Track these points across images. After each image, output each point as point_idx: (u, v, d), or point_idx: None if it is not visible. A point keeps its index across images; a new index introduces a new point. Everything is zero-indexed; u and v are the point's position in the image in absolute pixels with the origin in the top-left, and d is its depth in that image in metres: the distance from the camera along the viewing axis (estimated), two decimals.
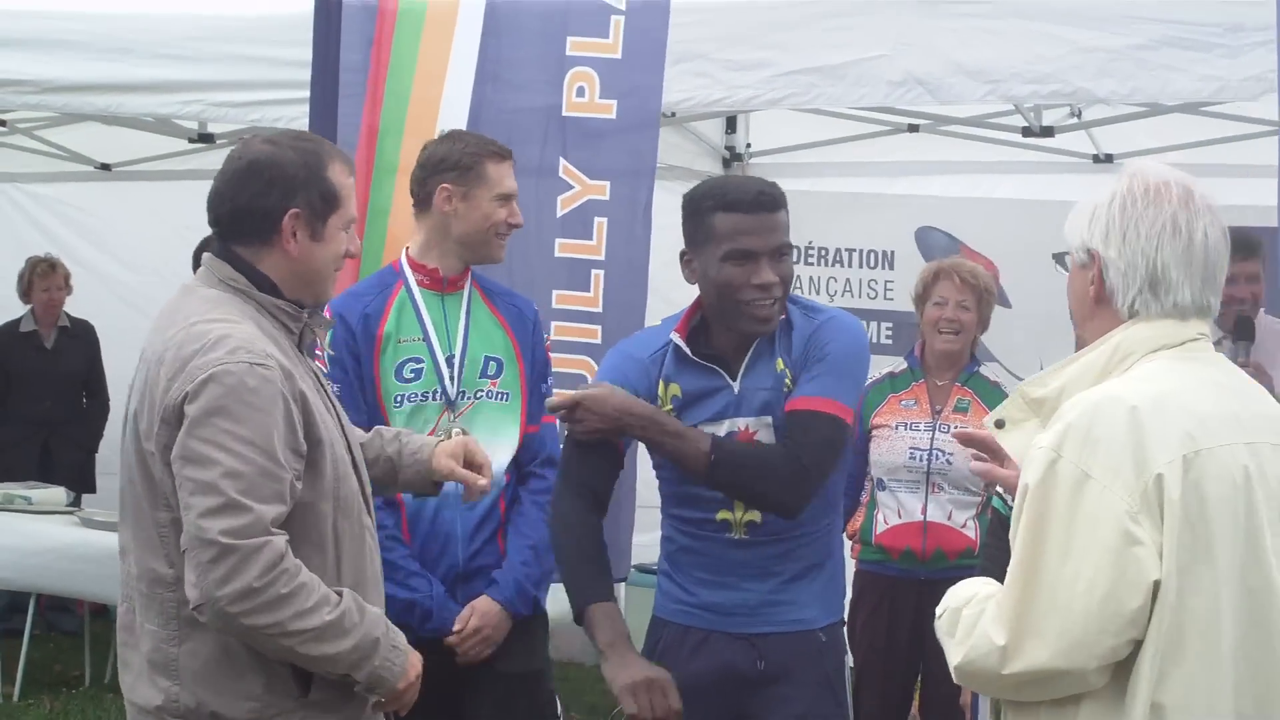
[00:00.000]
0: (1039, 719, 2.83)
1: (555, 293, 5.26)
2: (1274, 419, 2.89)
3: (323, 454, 3.32)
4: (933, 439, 5.79)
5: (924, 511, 5.74)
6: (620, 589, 5.00)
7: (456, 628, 4.48)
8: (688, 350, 4.01)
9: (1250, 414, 2.85)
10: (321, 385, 3.48)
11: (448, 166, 4.57)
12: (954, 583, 6.05)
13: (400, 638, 3.40)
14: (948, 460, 5.73)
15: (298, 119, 6.16)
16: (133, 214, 9.84)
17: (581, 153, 5.34)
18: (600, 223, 5.34)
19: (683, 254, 4.03)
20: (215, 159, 9.00)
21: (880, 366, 6.08)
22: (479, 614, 4.49)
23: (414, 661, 3.42)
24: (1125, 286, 2.87)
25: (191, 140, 8.61)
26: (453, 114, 5.31)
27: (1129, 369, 2.87)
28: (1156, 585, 2.70)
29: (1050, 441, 2.78)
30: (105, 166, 9.77)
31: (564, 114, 5.36)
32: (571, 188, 5.35)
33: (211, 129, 8.45)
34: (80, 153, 9.51)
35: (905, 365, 6.00)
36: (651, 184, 5.43)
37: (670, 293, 4.25)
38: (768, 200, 3.91)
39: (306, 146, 3.40)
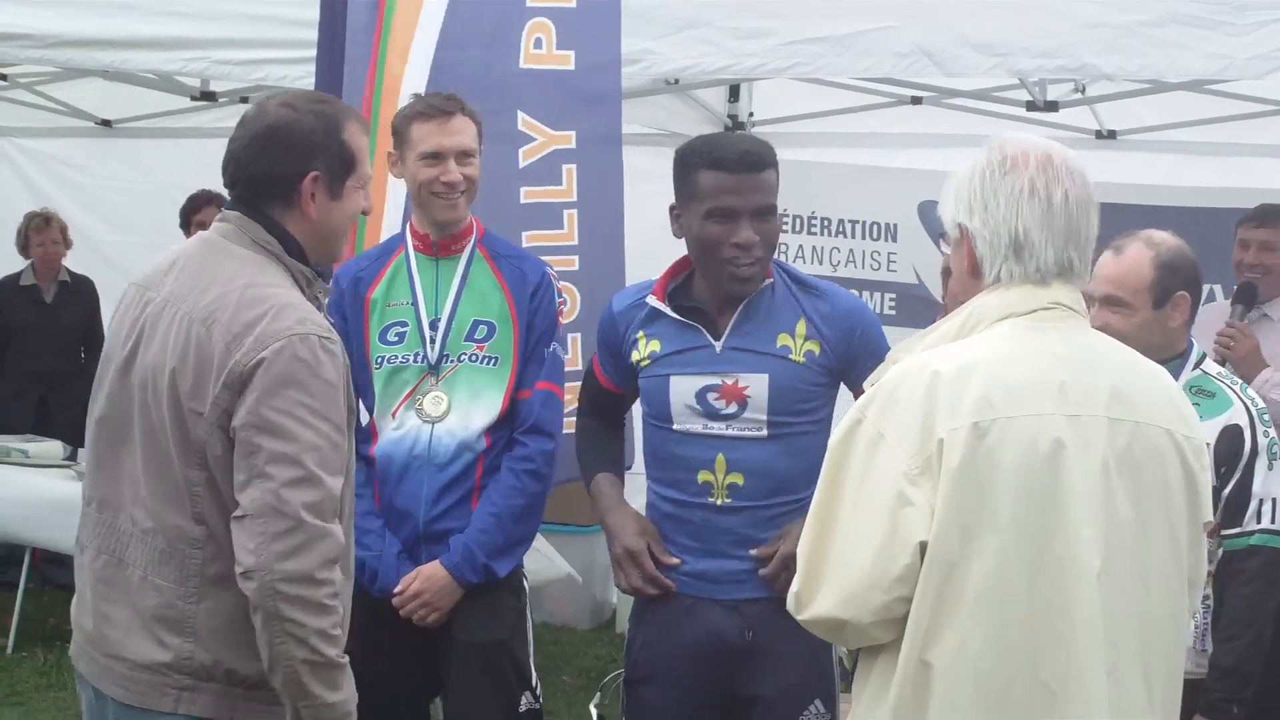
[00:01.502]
0: (867, 667, 2.93)
1: (525, 234, 5.23)
2: (1121, 393, 2.88)
3: (353, 425, 3.39)
4: None
5: None
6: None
7: (397, 589, 4.47)
8: (667, 309, 4.13)
9: (1086, 386, 2.86)
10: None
11: (393, 132, 4.63)
12: None
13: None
14: None
15: (302, 78, 6.15)
16: (130, 171, 9.84)
17: (541, 104, 5.29)
18: (569, 169, 5.31)
19: (672, 208, 4.12)
20: (216, 117, 9.14)
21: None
22: (422, 578, 4.47)
23: None
24: (992, 255, 2.93)
25: (194, 98, 8.60)
26: (416, 74, 5.28)
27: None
28: (925, 546, 2.76)
29: (860, 403, 2.90)
30: (106, 123, 9.77)
31: (521, 67, 5.30)
32: (533, 139, 5.31)
33: (214, 87, 8.44)
34: (81, 109, 9.49)
35: None
36: (619, 126, 5.39)
37: (666, 251, 4.26)
38: (753, 160, 3.95)
39: (324, 109, 3.43)
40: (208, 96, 8.59)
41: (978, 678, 2.78)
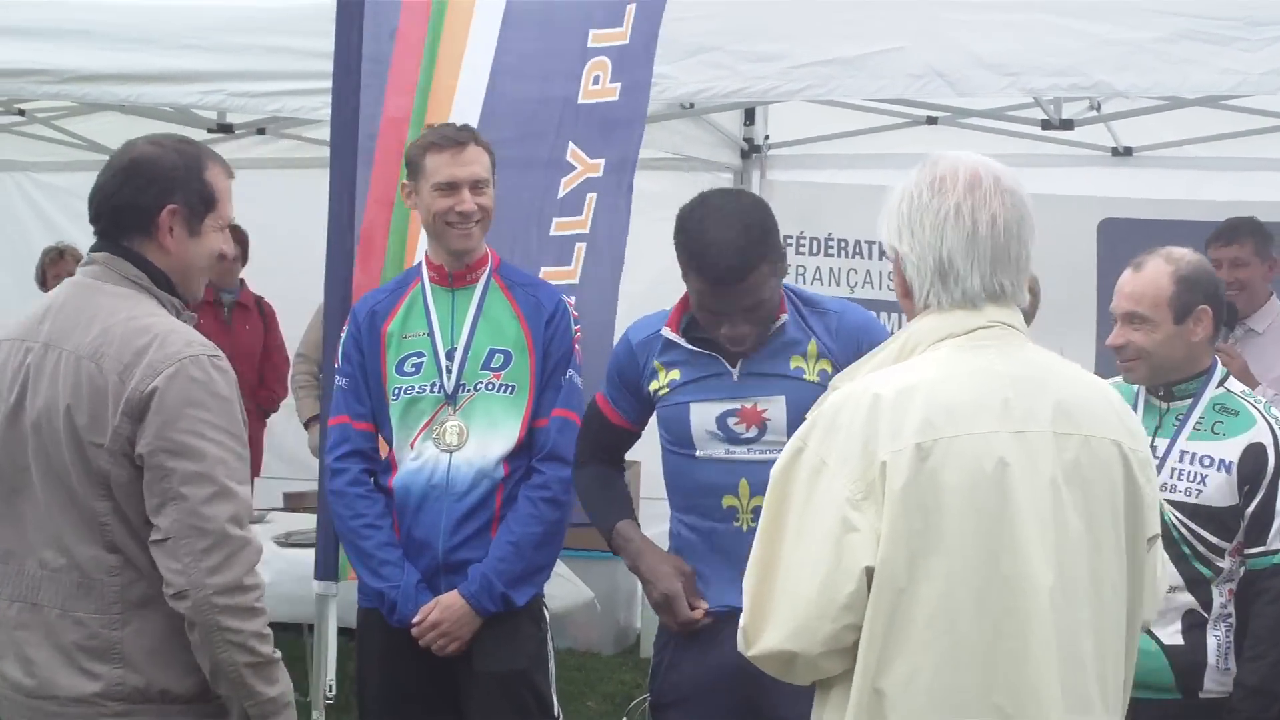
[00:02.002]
0: (823, 700, 2.91)
1: (544, 269, 5.29)
2: (1066, 407, 2.85)
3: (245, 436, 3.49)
4: None
5: None
6: (637, 584, 5.00)
7: (416, 620, 4.48)
8: (682, 341, 4.16)
9: (1029, 402, 2.82)
10: None
11: (406, 164, 4.67)
12: None
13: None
14: None
15: (318, 109, 6.17)
16: None
17: (588, 137, 5.38)
18: (591, 197, 5.36)
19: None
20: (234, 149, 9.14)
21: None
22: (440, 608, 4.48)
23: None
24: (920, 280, 2.89)
25: (210, 130, 8.61)
26: (467, 103, 5.33)
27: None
28: (871, 572, 2.72)
29: (801, 431, 2.86)
30: None
31: (579, 102, 5.38)
32: (574, 169, 5.38)
33: (230, 119, 8.46)
34: (98, 142, 9.52)
35: None
36: (634, 163, 5.42)
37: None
38: (735, 273, 3.97)
39: (186, 149, 3.55)
40: (224, 129, 8.61)
41: (932, 703, 2.74)
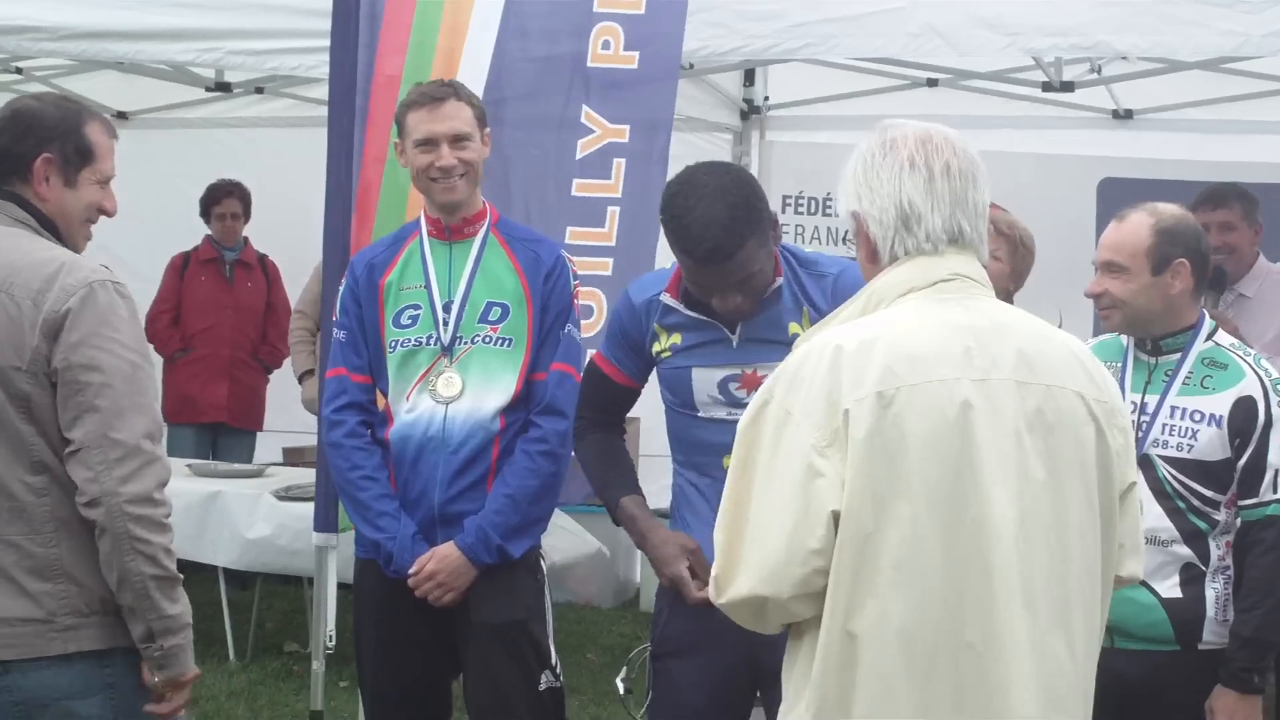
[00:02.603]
0: (795, 647, 2.95)
1: (570, 229, 5.37)
2: (1028, 357, 2.88)
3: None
4: None
5: None
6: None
7: (412, 570, 4.50)
8: (680, 308, 4.15)
9: (991, 352, 2.86)
10: None
11: (396, 122, 4.69)
12: None
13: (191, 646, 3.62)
14: None
15: (315, 67, 6.16)
16: (144, 163, 9.83)
17: (603, 100, 5.44)
18: (619, 163, 5.43)
19: None
20: (230, 107, 9.15)
21: None
22: (437, 559, 4.49)
23: (196, 669, 3.65)
24: (884, 233, 2.94)
25: (209, 89, 8.62)
26: (475, 63, 5.35)
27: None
28: (838, 516, 2.78)
29: (767, 384, 2.91)
30: (122, 115, 9.78)
31: (589, 65, 5.44)
32: (592, 132, 5.44)
33: (229, 77, 8.45)
34: (97, 101, 9.50)
35: None
36: (669, 130, 5.51)
37: None
38: (721, 253, 3.95)
39: (68, 105, 3.76)
40: (222, 87, 8.61)
41: (903, 644, 2.79)
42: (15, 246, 3.57)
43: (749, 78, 8.90)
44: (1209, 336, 4.26)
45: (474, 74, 5.22)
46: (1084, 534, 2.88)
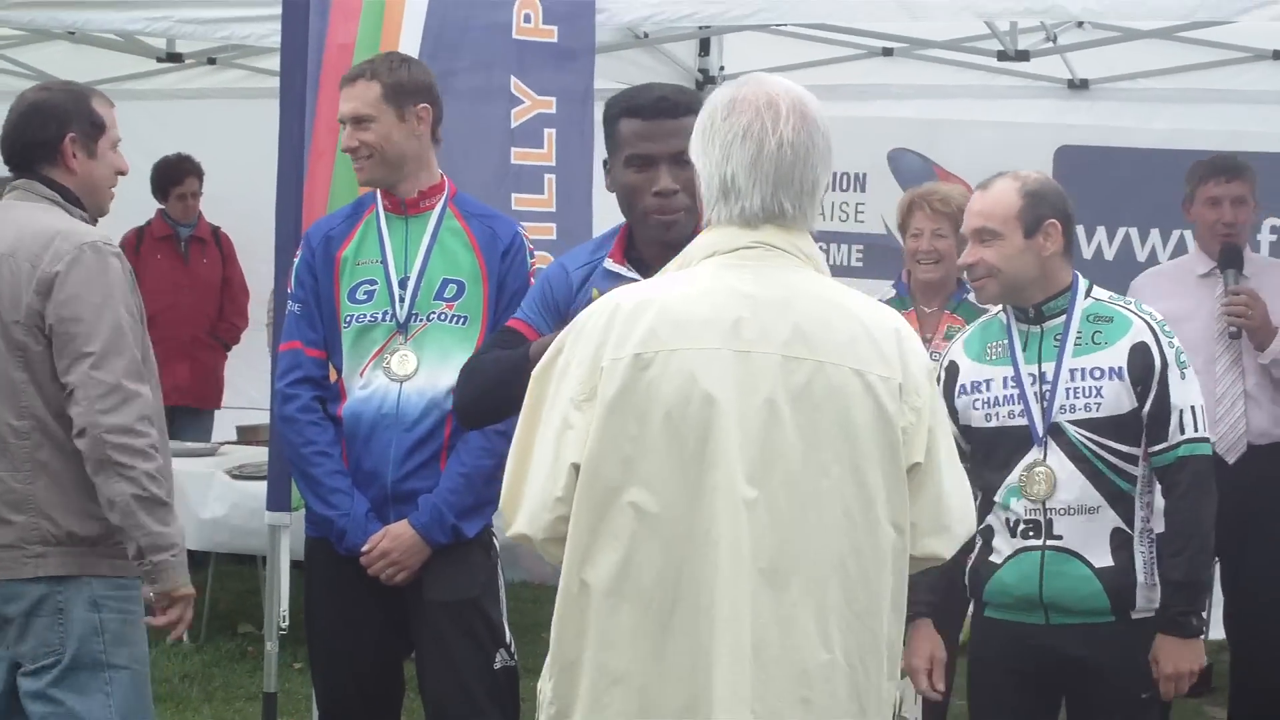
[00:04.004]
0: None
1: (514, 195, 5.50)
2: (805, 332, 2.87)
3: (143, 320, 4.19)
4: None
5: None
6: None
7: (365, 548, 4.48)
8: (624, 272, 3.96)
9: (764, 324, 2.87)
10: None
11: None
12: None
13: (184, 566, 4.08)
14: None
15: (267, 36, 6.09)
16: None
17: (529, 72, 5.57)
18: (550, 133, 5.56)
19: (605, 162, 4.04)
20: (182, 78, 9.05)
21: (871, 294, 6.06)
22: (390, 537, 4.48)
23: (191, 588, 4.11)
24: (709, 196, 2.97)
25: (160, 60, 8.53)
26: (413, 27, 5.36)
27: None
28: (578, 469, 2.86)
29: (561, 335, 3.00)
30: None
31: (514, 36, 5.53)
32: (523, 102, 5.55)
33: (180, 48, 8.36)
34: (47, 72, 9.38)
35: (894, 293, 5.95)
36: (592, 103, 5.58)
37: None
38: (668, 106, 3.87)
39: (72, 89, 4.30)
40: (174, 59, 8.52)
41: (632, 600, 2.84)
42: (29, 219, 4.10)
43: (704, 47, 8.85)
44: (1088, 293, 4.26)
45: (412, 40, 5.27)
46: (852, 512, 2.86)
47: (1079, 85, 8.20)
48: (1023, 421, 4.20)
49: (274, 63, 6.47)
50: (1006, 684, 4.29)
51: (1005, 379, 4.24)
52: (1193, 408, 4.18)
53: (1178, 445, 4.16)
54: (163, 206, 8.96)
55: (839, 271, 6.82)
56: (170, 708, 6.70)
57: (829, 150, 2.98)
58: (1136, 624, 4.19)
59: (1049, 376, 4.19)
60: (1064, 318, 4.22)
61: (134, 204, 8.79)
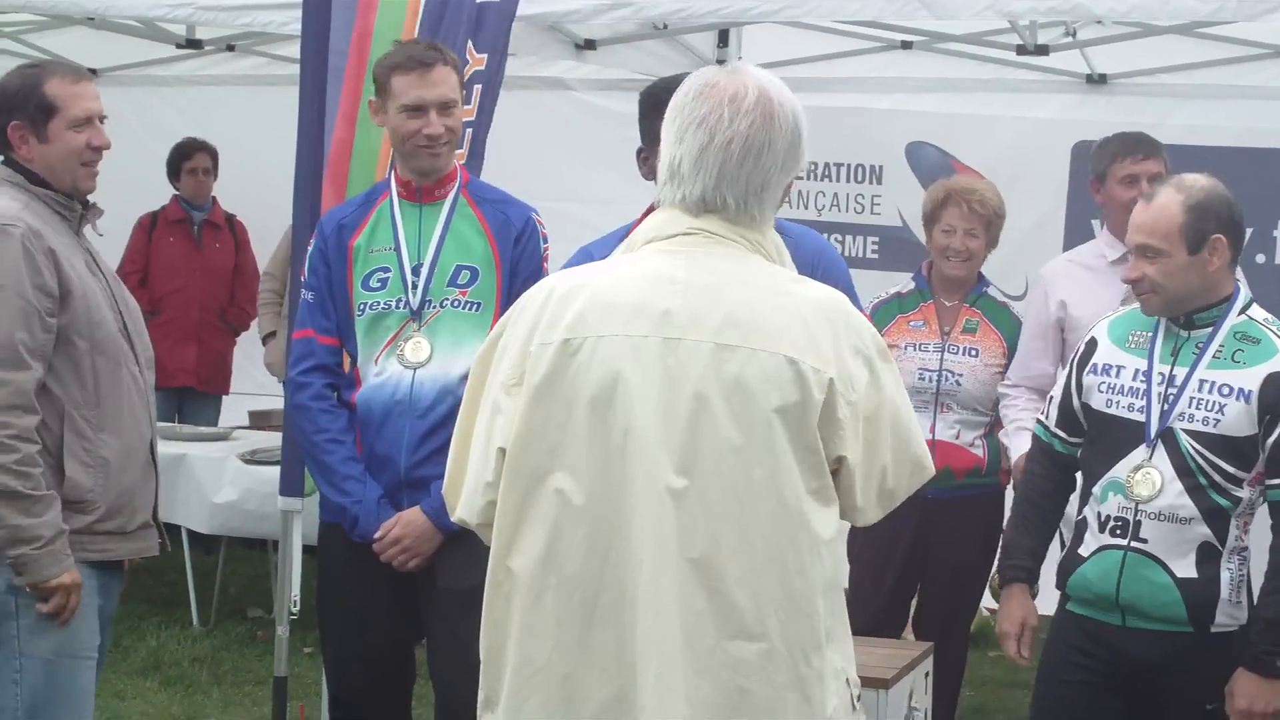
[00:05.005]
0: None
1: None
2: (738, 320, 2.85)
3: (73, 299, 4.04)
4: (941, 360, 5.76)
5: (932, 430, 5.62)
6: None
7: (378, 535, 4.48)
8: None
9: (695, 312, 2.85)
10: (92, 259, 4.23)
11: (375, 81, 4.64)
12: (960, 501, 6.06)
13: (67, 554, 3.99)
14: (957, 381, 5.72)
15: (287, 24, 6.11)
16: (114, 120, 9.75)
17: (478, 33, 5.49)
18: (478, 89, 5.47)
19: (639, 151, 4.06)
20: (201, 65, 9.07)
21: (889, 285, 6.07)
22: (402, 523, 4.48)
23: (73, 577, 4.00)
24: (661, 178, 2.97)
25: (179, 46, 8.55)
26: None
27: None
28: (504, 454, 2.87)
29: (504, 318, 3.00)
30: (92, 72, 9.69)
31: (476, 1, 5.46)
32: (467, 63, 5.42)
33: (200, 34, 8.38)
34: (68, 59, 9.41)
35: (913, 285, 5.91)
36: (505, 57, 5.57)
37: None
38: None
39: (28, 71, 4.24)
40: (193, 45, 8.53)
41: (563, 587, 2.84)
42: None
43: (723, 39, 8.83)
44: (1243, 310, 4.15)
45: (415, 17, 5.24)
46: (784, 500, 2.83)
47: (1098, 80, 8.18)
48: (1140, 418, 4.11)
49: (293, 50, 6.47)
50: (1075, 680, 4.22)
51: (1137, 371, 4.16)
52: None
53: None
54: (177, 191, 8.97)
55: (854, 264, 6.79)
56: (180, 691, 6.74)
57: (793, 151, 2.94)
58: (1214, 637, 4.09)
59: (1178, 381, 4.10)
60: (1211, 329, 4.13)
61: (151, 189, 8.83)
